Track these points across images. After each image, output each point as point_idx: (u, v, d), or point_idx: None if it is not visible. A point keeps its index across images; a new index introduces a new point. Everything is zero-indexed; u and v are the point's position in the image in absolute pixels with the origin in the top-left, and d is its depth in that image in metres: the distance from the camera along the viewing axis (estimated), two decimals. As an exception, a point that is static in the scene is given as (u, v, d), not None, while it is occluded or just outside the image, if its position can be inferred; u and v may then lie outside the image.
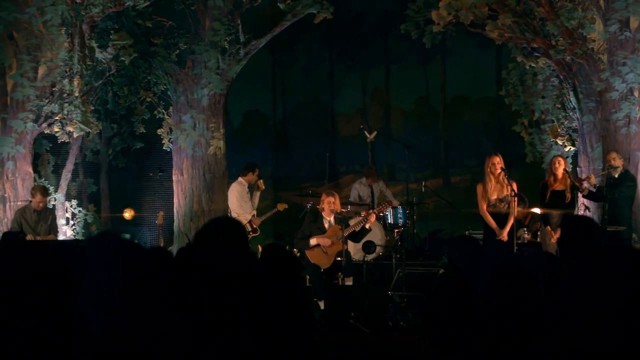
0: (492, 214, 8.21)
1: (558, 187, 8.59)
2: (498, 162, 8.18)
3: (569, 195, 8.54)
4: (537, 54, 10.85)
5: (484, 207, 8.26)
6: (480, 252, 4.47)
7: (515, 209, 8.14)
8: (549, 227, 8.56)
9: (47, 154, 11.59)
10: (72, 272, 2.39)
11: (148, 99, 12.15)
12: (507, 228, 8.12)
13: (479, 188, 8.34)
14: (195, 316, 2.69)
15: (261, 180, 10.82)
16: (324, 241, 8.50)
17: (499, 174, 8.16)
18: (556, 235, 8.14)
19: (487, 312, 2.87)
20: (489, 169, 8.21)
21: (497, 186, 8.22)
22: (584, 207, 9.59)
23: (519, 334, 2.82)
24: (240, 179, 10.60)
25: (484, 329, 2.82)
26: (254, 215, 10.52)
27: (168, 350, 2.53)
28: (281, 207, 10.77)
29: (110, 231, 8.12)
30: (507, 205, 8.19)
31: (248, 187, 10.62)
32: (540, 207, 8.72)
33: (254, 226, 10.41)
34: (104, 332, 2.42)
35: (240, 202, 10.46)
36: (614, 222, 8.56)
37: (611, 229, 8.40)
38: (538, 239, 10.01)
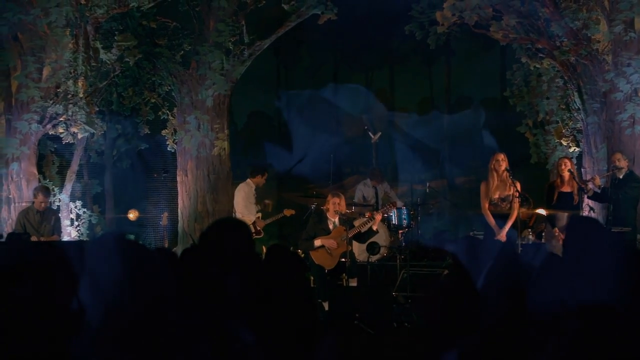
0: (494, 214, 8.19)
1: (565, 189, 8.55)
2: (502, 159, 8.17)
3: (576, 197, 8.51)
4: (541, 55, 10.83)
5: (485, 205, 8.24)
6: (482, 252, 4.46)
7: (518, 209, 8.11)
8: (556, 229, 8.51)
9: (51, 155, 11.59)
10: (76, 273, 2.40)
11: (152, 100, 12.16)
12: (506, 228, 8.09)
13: (483, 186, 8.33)
14: (199, 317, 2.69)
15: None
16: (330, 242, 8.42)
17: (503, 171, 8.14)
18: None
19: (486, 308, 2.86)
20: (492, 166, 8.20)
21: (500, 184, 8.19)
22: (588, 208, 9.56)
23: (518, 332, 2.81)
24: (248, 180, 10.58)
25: (483, 327, 2.81)
26: (258, 217, 10.52)
27: (170, 350, 2.53)
28: (288, 212, 10.67)
29: (114, 232, 8.14)
30: (509, 205, 8.16)
31: (255, 190, 10.61)
32: (546, 208, 8.69)
33: (258, 228, 10.40)
34: (106, 333, 2.42)
35: (245, 203, 10.46)
36: (619, 223, 8.54)
37: (616, 230, 8.37)
38: (542, 240, 9.99)
